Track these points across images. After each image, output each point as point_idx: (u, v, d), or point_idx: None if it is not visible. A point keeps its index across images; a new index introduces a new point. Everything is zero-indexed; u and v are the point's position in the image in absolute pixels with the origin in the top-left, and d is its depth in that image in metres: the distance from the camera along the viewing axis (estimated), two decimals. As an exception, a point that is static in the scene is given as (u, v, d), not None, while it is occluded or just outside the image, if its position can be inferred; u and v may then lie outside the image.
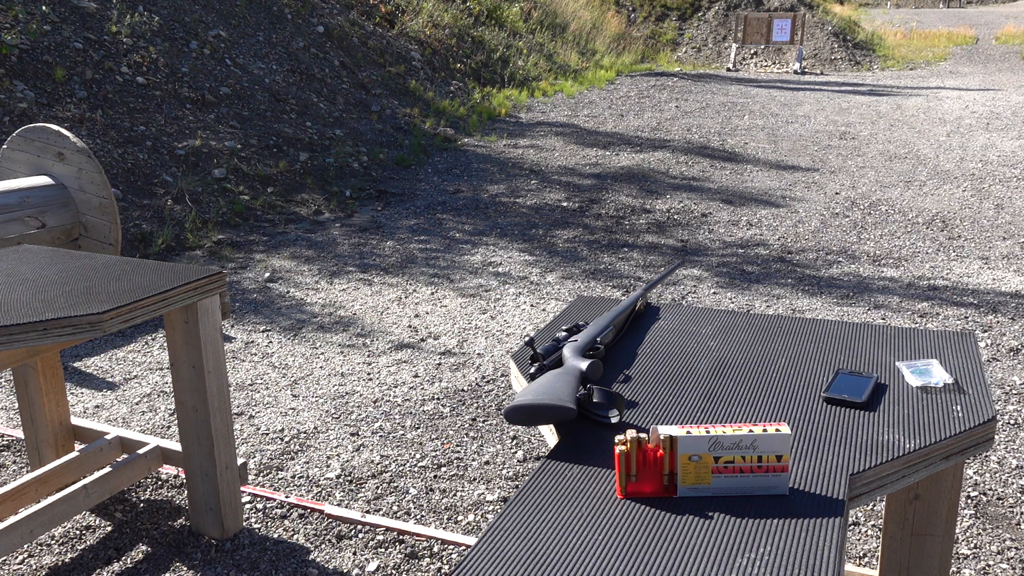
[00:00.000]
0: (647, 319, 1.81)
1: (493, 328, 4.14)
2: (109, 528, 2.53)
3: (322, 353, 3.85)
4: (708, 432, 1.12)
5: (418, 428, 3.12)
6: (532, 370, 1.48)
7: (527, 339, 1.54)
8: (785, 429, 1.11)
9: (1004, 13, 28.03)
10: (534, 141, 8.59)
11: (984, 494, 2.60)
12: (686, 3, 18.20)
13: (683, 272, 4.94)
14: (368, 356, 3.81)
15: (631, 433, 1.14)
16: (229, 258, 5.27)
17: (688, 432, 1.13)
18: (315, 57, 8.94)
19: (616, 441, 1.14)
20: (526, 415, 1.31)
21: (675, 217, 6.07)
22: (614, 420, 1.33)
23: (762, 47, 16.22)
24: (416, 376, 3.59)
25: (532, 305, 4.46)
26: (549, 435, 1.40)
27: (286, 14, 9.15)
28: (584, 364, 1.41)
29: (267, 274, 4.94)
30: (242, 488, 2.68)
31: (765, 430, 1.11)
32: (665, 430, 1.14)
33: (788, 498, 1.13)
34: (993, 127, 9.26)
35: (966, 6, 32.70)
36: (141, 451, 2.56)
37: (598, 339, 1.58)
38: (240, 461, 2.51)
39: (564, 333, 1.61)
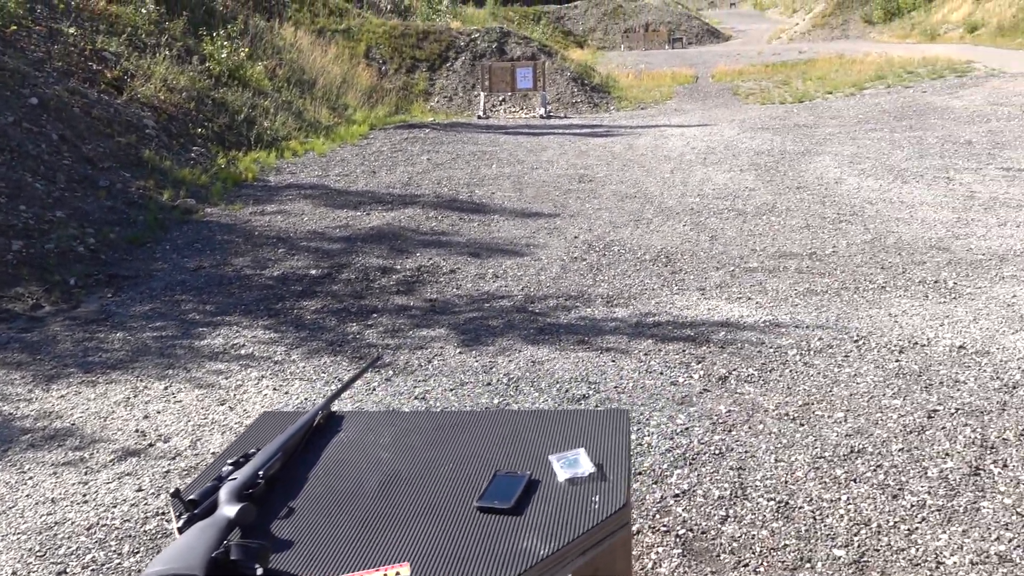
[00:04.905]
0: (328, 432, 1.79)
1: (231, 421, 3.94)
2: None
3: (30, 478, 3.46)
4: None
5: (137, 553, 2.88)
6: (179, 523, 1.39)
7: (174, 491, 1.46)
8: (405, 571, 1.12)
9: (718, 52, 31.52)
10: (282, 206, 8.39)
11: (691, 530, 2.82)
12: (434, 55, 18.75)
13: (430, 333, 4.99)
14: (85, 474, 3.48)
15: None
16: (-79, 374, 4.63)
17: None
18: (28, 132, 8.18)
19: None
20: (157, 585, 1.23)
21: (424, 275, 6.15)
22: (259, 574, 1.29)
23: (509, 94, 17.02)
24: (140, 490, 3.31)
25: (275, 389, 4.30)
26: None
27: (-11, 87, 8.31)
28: (234, 511, 1.35)
29: (-32, 389, 4.39)
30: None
31: (386, 574, 1.12)
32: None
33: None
34: (709, 161, 10.29)
35: (687, 46, 36.41)
36: None
37: (260, 473, 1.52)
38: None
39: (230, 467, 1.55)
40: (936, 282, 5.47)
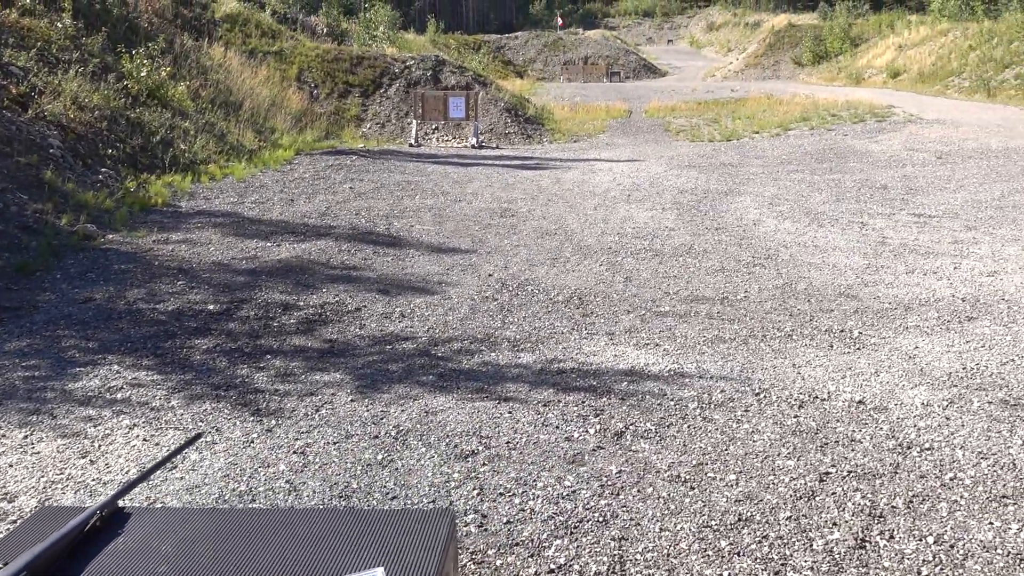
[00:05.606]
0: (107, 536, 1.55)
1: (88, 477, 3.63)
2: None
3: None
4: None
5: (-55, 640, 2.56)
6: None
7: None
8: None
9: (654, 87, 32.04)
10: (188, 235, 8.03)
11: (561, 612, 2.64)
12: (368, 80, 18.54)
13: (323, 378, 4.74)
14: (-91, 540, 3.13)
15: None
16: None
17: None
18: (-86, 149, 7.69)
19: None
20: None
21: (327, 314, 5.89)
22: None
23: (442, 123, 16.89)
24: (-34, 561, 2.99)
25: (145, 439, 4.00)
26: None
27: None
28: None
29: None
30: None
31: None
32: None
33: None
34: (633, 198, 10.28)
35: (624, 80, 36.94)
36: None
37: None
38: None
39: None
40: (842, 331, 5.46)
